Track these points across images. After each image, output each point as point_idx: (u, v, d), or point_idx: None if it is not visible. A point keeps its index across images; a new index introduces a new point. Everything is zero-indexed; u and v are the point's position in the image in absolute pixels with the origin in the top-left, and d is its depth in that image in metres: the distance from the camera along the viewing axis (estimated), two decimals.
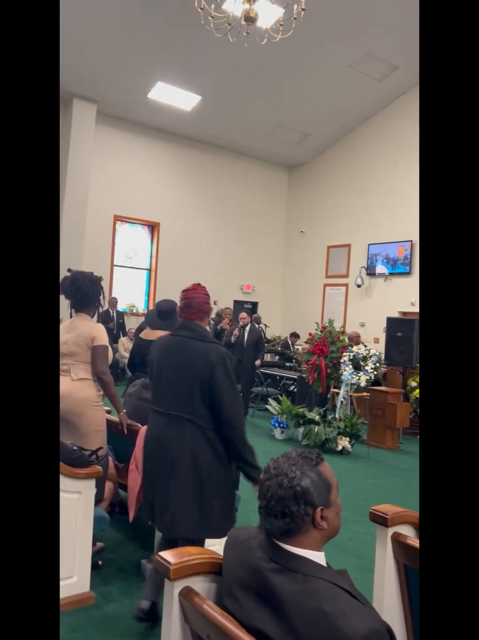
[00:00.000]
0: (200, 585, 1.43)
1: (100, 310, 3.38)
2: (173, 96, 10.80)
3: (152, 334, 4.30)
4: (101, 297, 3.32)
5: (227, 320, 8.59)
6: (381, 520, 1.87)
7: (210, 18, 6.48)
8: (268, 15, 7.11)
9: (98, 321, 3.44)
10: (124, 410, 3.41)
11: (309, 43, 9.47)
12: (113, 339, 10.59)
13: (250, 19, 6.37)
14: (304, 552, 1.27)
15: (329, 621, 1.13)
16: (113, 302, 10.97)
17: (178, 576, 1.40)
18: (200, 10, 6.27)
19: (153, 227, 12.44)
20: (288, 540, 1.28)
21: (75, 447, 2.76)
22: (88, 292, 3.22)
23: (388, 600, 1.87)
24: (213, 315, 9.66)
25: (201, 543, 2.46)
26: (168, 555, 1.44)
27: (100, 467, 2.83)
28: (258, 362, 8.04)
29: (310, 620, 1.15)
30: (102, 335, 3.18)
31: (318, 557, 1.28)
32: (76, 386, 3.10)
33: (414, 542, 1.83)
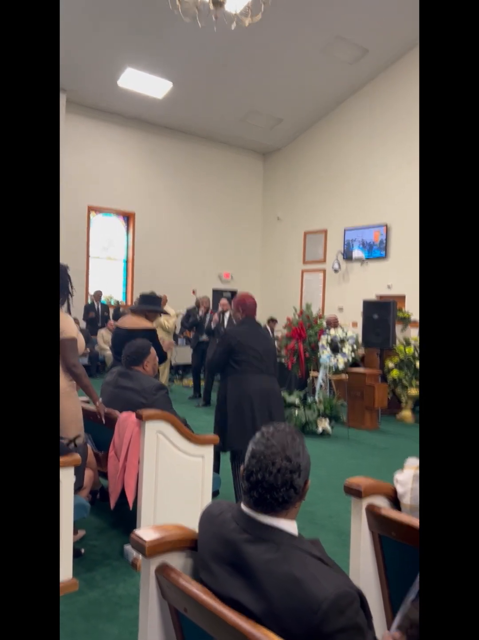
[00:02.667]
0: (176, 561, 1.45)
1: (71, 300, 3.26)
2: (144, 83, 10.68)
3: (130, 322, 4.30)
4: (70, 286, 3.22)
5: (203, 309, 8.64)
6: (355, 493, 1.90)
7: (177, 3, 6.40)
8: (237, 0, 7.05)
9: (83, 313, 3.38)
10: (100, 400, 3.40)
11: (279, 27, 9.42)
12: (93, 332, 10.54)
13: (218, 3, 6.30)
14: (279, 522, 1.29)
15: (300, 586, 1.16)
16: (97, 295, 10.95)
17: (154, 553, 1.42)
18: None
19: (128, 217, 12.34)
20: (277, 513, 1.29)
21: None
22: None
23: (364, 569, 1.91)
24: (192, 304, 9.66)
25: None
26: (143, 532, 1.45)
27: (78, 455, 2.82)
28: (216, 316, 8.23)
29: (282, 586, 1.17)
30: (67, 327, 3.07)
31: (292, 526, 1.31)
32: None
33: (388, 512, 1.87)
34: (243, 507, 1.34)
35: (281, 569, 1.19)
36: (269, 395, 3.85)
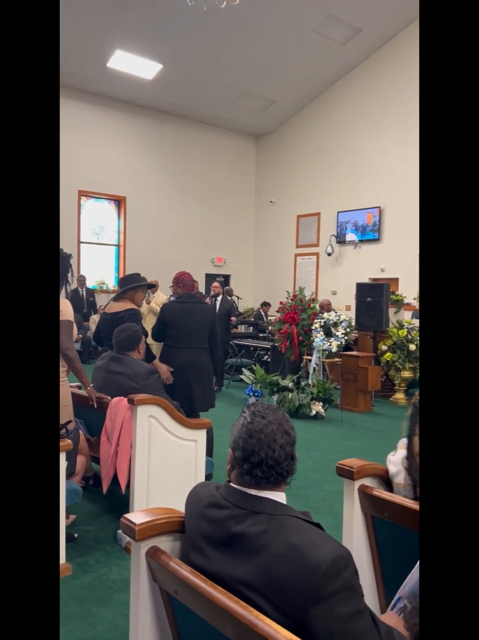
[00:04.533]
0: (166, 544, 1.44)
1: (68, 287, 3.30)
2: (134, 65, 10.51)
3: (115, 307, 4.26)
4: (69, 275, 3.27)
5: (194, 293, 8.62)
6: (348, 474, 1.89)
7: None
8: None
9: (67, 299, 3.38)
10: (91, 385, 3.37)
11: (270, 6, 9.27)
12: (84, 317, 10.48)
13: None
14: (271, 494, 1.31)
15: (297, 552, 1.17)
16: (81, 280, 10.83)
17: (144, 536, 1.40)
18: None
19: (119, 202, 12.22)
20: (277, 486, 1.32)
21: None
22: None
23: (357, 550, 1.91)
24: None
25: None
26: (133, 516, 1.44)
27: (69, 441, 2.80)
28: (235, 328, 8.24)
29: (279, 554, 1.19)
30: (65, 310, 3.11)
31: (281, 497, 1.33)
32: None
33: (381, 493, 1.87)
34: (232, 484, 1.34)
35: (277, 538, 1.21)
36: (188, 369, 4.14)
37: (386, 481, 1.98)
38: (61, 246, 3.39)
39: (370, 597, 1.90)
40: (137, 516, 1.45)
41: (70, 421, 2.99)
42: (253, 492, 1.30)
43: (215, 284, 8.27)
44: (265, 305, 11.45)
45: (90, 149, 11.46)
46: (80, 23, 9.23)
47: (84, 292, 10.84)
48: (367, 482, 1.92)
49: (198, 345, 4.24)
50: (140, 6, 9.03)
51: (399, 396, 7.74)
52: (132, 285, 4.22)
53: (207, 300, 8.05)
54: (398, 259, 10.52)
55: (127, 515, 1.45)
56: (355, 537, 1.93)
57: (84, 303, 10.75)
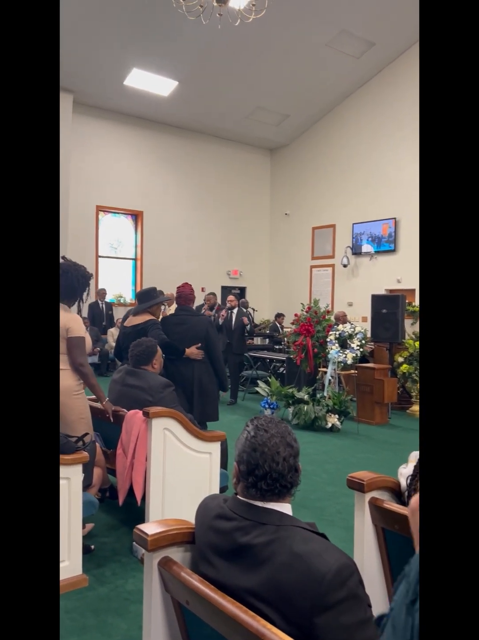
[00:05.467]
0: (177, 554, 1.47)
1: (82, 304, 3.38)
2: (150, 82, 10.70)
3: (135, 320, 4.33)
4: (85, 293, 3.34)
5: (207, 306, 8.67)
6: (358, 486, 1.91)
7: (181, 1, 6.41)
8: None
9: (82, 312, 3.46)
10: (107, 399, 3.43)
11: (284, 23, 9.39)
12: (102, 330, 10.61)
13: (221, 0, 6.30)
14: (277, 505, 1.33)
15: (302, 561, 1.20)
16: (102, 293, 11.00)
17: (156, 547, 1.44)
18: None
19: (136, 216, 12.38)
20: (282, 497, 1.33)
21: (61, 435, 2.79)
22: (76, 287, 3.26)
23: (368, 563, 1.92)
24: (201, 301, 9.68)
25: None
26: (145, 527, 1.48)
27: (86, 453, 2.86)
28: (245, 319, 8.19)
29: (284, 563, 1.21)
30: (76, 326, 3.15)
31: (287, 508, 1.35)
32: None
33: (391, 505, 1.88)
34: (239, 496, 1.37)
35: (283, 548, 1.23)
36: (179, 382, 4.26)
37: (398, 494, 1.99)
38: (78, 261, 3.49)
39: (381, 609, 1.90)
40: (149, 527, 1.48)
41: (87, 433, 3.05)
42: (259, 503, 1.32)
43: (231, 297, 8.32)
44: (280, 316, 11.47)
45: (108, 165, 11.66)
46: (98, 43, 9.46)
47: (103, 306, 10.99)
48: (378, 494, 1.94)
49: (193, 358, 4.40)
50: (156, 26, 9.22)
51: (416, 408, 7.68)
52: (152, 303, 4.35)
53: (223, 312, 8.10)
54: (414, 270, 10.48)
55: (140, 526, 1.49)
56: (366, 549, 1.94)
57: (104, 316, 10.89)
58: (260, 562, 1.24)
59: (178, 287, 4.73)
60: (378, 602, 1.89)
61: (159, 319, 4.51)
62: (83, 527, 3.15)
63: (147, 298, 4.38)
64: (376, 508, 1.91)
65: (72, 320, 3.14)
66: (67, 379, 3.15)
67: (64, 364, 3.15)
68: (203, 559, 1.38)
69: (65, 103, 10.59)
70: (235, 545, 1.30)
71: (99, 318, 10.75)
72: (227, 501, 1.40)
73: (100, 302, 10.91)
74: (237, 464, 1.37)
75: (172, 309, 7.56)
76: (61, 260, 3.30)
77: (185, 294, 4.63)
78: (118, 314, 11.26)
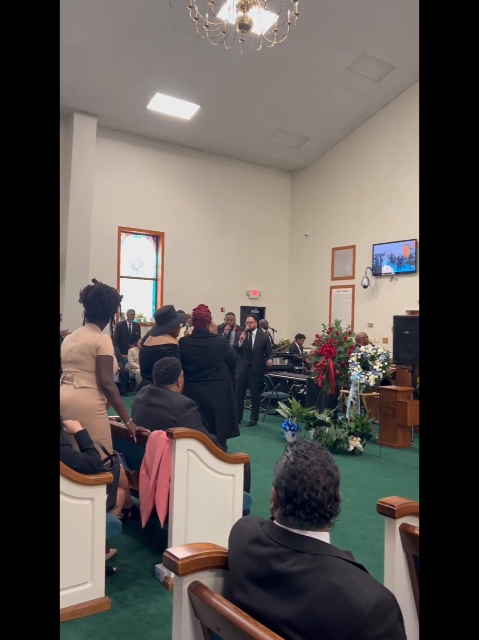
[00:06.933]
0: (208, 579, 1.45)
1: (113, 325, 3.47)
2: (173, 106, 10.91)
3: (154, 341, 4.36)
4: (116, 314, 3.44)
5: (228, 326, 8.69)
6: (389, 512, 1.87)
7: (205, 27, 6.55)
8: (263, 22, 7.17)
9: (114, 332, 3.54)
10: (130, 419, 3.44)
11: (305, 47, 9.53)
12: (123, 349, 10.68)
13: (244, 26, 6.42)
14: (314, 534, 1.29)
15: (341, 594, 1.16)
16: (131, 314, 11.18)
17: (187, 571, 1.42)
18: (194, 19, 6.34)
19: (157, 237, 12.52)
20: (321, 526, 1.29)
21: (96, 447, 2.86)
22: (109, 308, 3.36)
23: (398, 590, 1.87)
24: (221, 321, 9.71)
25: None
26: (175, 550, 1.46)
27: (110, 474, 2.86)
28: (270, 361, 8.27)
29: (322, 595, 1.18)
30: (106, 346, 3.20)
31: (325, 537, 1.31)
32: (79, 394, 3.13)
33: None
34: (276, 522, 1.34)
35: (321, 578, 1.20)
36: (198, 402, 4.24)
37: None
38: (103, 282, 3.55)
39: (413, 638, 1.85)
40: (179, 551, 1.46)
41: (115, 454, 3.05)
42: (296, 531, 1.29)
43: (250, 318, 8.31)
44: (300, 337, 11.43)
45: (130, 187, 11.85)
46: (122, 68, 9.69)
47: (131, 326, 11.10)
48: (409, 520, 1.90)
49: (210, 379, 4.56)
50: (179, 51, 9.43)
51: None
52: (171, 325, 4.40)
53: (242, 335, 8.08)
54: None
55: (170, 550, 1.47)
56: (397, 577, 1.89)
57: (130, 336, 11.00)
58: (296, 592, 1.21)
59: (194, 309, 4.86)
60: (410, 628, 1.83)
61: (177, 339, 4.57)
62: (107, 551, 3.13)
63: (165, 318, 4.45)
64: (407, 534, 1.87)
65: (102, 340, 3.20)
66: (91, 398, 3.17)
67: (89, 383, 3.17)
68: (237, 584, 1.35)
69: (89, 127, 10.83)
70: (271, 572, 1.27)
71: (126, 338, 10.86)
72: (262, 525, 1.37)
73: (128, 323, 11.04)
74: (274, 490, 1.34)
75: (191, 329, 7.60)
76: (91, 283, 3.38)
77: (201, 316, 4.77)
78: (143, 334, 11.36)
